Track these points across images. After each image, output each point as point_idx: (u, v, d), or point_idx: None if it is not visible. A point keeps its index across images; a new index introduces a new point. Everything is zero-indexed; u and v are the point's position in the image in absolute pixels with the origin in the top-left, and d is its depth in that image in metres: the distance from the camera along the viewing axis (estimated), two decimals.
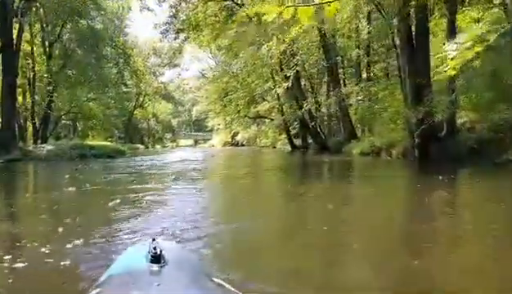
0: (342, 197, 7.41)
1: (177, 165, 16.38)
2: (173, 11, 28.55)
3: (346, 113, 22.88)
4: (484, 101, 10.65)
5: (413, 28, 12.48)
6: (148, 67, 49.34)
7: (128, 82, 41.18)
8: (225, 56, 33.34)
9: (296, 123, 29.45)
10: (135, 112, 50.03)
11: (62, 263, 3.28)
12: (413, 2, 11.55)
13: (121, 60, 35.08)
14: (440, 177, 8.62)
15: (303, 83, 26.61)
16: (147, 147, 50.13)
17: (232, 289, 1.96)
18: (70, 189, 8.34)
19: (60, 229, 4.43)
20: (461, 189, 8.39)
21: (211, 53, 44.80)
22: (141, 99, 50.36)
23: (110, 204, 5.97)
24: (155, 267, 2.19)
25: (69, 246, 3.71)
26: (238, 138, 50.12)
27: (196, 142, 70.47)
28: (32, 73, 26.74)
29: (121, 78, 37.10)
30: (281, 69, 24.49)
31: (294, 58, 21.92)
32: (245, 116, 36.75)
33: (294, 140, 30.65)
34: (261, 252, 3.89)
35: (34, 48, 27.14)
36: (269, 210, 6.31)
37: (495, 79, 9.59)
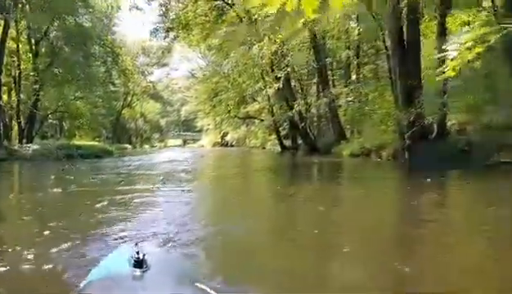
0: (332, 198, 7.40)
1: (166, 165, 16.31)
2: (163, 9, 28.40)
3: (335, 114, 22.92)
4: (475, 103, 10.68)
5: (404, 30, 12.49)
6: (137, 66, 49.05)
7: (116, 81, 40.83)
8: (215, 56, 33.16)
9: (286, 124, 29.46)
10: (123, 111, 49.77)
11: (45, 267, 3.21)
12: (405, 1, 11.56)
13: (109, 59, 34.75)
14: (430, 179, 8.65)
15: (293, 84, 26.61)
16: (135, 147, 50.04)
17: (213, 292, 2.01)
18: (56, 189, 8.26)
19: (45, 232, 4.33)
20: (451, 190, 8.41)
21: (201, 53, 44.64)
22: (129, 98, 50.09)
23: (97, 206, 5.87)
24: (138, 272, 2.13)
25: (53, 249, 3.63)
26: (227, 138, 50.01)
27: (185, 142, 70.31)
28: (17, 71, 26.27)
29: (109, 77, 36.77)
30: (272, 70, 24.46)
31: (284, 59, 21.89)
32: (235, 116, 36.63)
33: (284, 141, 30.61)
34: (251, 255, 3.82)
35: (20, 45, 26.68)
36: (259, 212, 6.25)
37: (486, 81, 9.63)
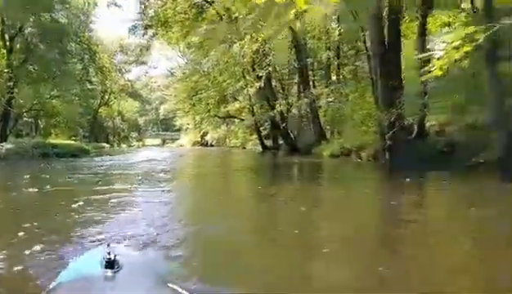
0: (313, 199, 7.42)
1: (145, 165, 16.25)
2: (142, 6, 28.07)
3: (316, 114, 23.00)
4: (456, 104, 10.79)
5: (385, 31, 12.54)
6: (114, 64, 48.42)
7: (93, 79, 40.25)
8: (195, 54, 32.89)
9: (267, 124, 29.43)
10: (100, 110, 49.08)
11: (17, 268, 3.16)
12: (387, 1, 11.62)
13: (86, 56, 34.22)
14: (409, 179, 8.75)
15: (274, 84, 26.63)
16: (112, 146, 49.48)
17: (185, 293, 2.02)
18: (31, 189, 8.14)
19: (19, 233, 4.21)
20: (431, 191, 8.47)
21: (180, 51, 44.30)
22: (106, 96, 49.39)
23: (73, 206, 5.75)
24: (109, 273, 2.10)
25: (26, 251, 3.57)
26: (207, 138, 49.74)
27: (164, 142, 69.77)
28: None
29: (86, 75, 36.23)
30: (253, 69, 24.39)
31: (266, 58, 21.84)
32: (215, 115, 36.39)
33: (265, 141, 30.58)
34: (230, 255, 3.78)
35: None
36: (240, 211, 6.23)
37: (468, 82, 9.73)
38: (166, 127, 72.58)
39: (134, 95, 61.01)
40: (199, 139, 52.28)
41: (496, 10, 6.81)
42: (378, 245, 4.19)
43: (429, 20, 12.76)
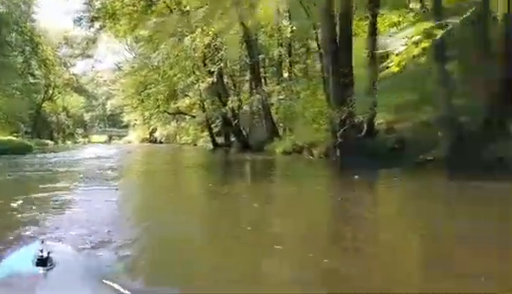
0: (265, 195, 7.44)
1: (91, 162, 16.00)
2: None
3: (268, 111, 23.04)
4: (408, 102, 11.05)
5: (337, 29, 12.65)
6: (58, 57, 46.51)
7: (36, 73, 38.46)
8: (144, 48, 32.02)
9: (218, 121, 29.19)
10: (43, 105, 47.07)
11: None
12: None
13: (28, 48, 32.62)
14: (358, 176, 8.90)
15: (225, 80, 26.42)
16: (57, 143, 47.79)
17: (122, 290, 2.01)
18: None
19: None
20: (380, 188, 8.64)
21: (128, 45, 43.06)
22: (50, 91, 47.50)
23: (13, 205, 5.48)
24: (41, 270, 2.14)
25: None
26: (156, 135, 48.88)
27: (111, 138, 68.06)
28: None
29: (28, 68, 34.58)
30: (204, 64, 24.05)
31: (218, 52, 21.59)
32: (165, 111, 35.67)
33: (217, 138, 30.28)
34: (177, 252, 3.70)
35: None
36: (190, 209, 6.10)
37: (415, 81, 9.98)
38: (113, 123, 70.82)
39: (80, 89, 59.14)
40: (148, 135, 51.44)
41: (444, 9, 7.00)
42: (329, 242, 4.19)
43: (378, 19, 13.01)
